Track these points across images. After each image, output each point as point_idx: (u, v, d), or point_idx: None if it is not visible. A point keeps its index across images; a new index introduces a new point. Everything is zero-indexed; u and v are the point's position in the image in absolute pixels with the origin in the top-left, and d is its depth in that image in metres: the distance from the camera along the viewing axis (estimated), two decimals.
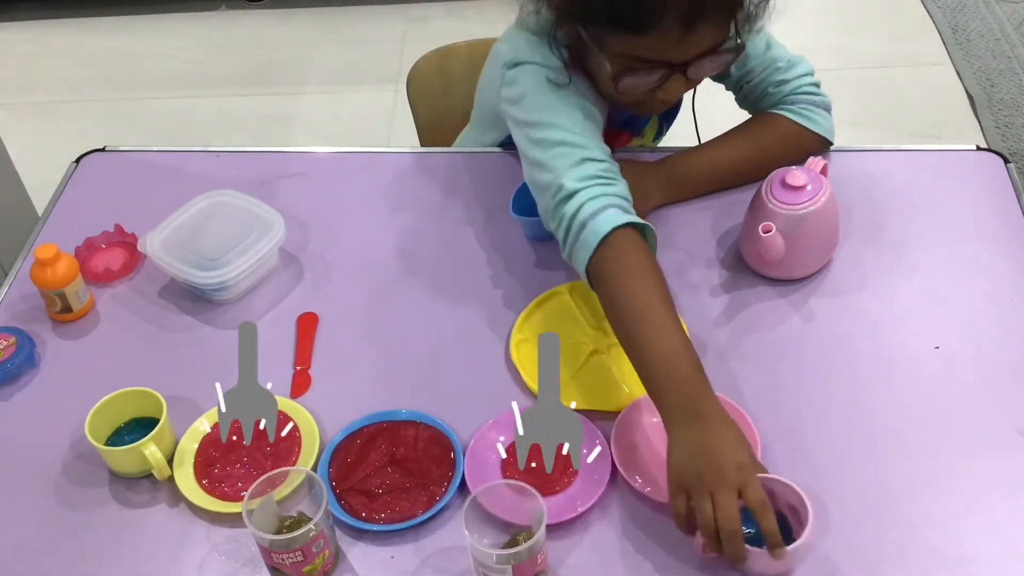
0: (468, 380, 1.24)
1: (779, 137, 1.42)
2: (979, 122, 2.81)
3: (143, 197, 1.51)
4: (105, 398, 1.15)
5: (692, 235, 1.40)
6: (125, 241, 1.41)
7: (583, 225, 1.18)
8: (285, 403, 1.20)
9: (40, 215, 1.52)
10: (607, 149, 1.27)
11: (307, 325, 1.31)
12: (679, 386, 1.06)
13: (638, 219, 1.19)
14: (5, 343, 1.26)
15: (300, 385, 1.24)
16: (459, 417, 1.18)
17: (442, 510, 1.09)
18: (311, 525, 0.99)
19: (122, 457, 1.12)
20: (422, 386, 1.23)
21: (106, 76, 3.21)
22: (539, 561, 1.00)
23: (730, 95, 1.50)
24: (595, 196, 1.19)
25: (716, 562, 1.03)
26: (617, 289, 1.15)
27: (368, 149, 1.61)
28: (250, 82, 3.16)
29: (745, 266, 1.34)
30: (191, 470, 1.14)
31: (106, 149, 1.62)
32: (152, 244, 1.34)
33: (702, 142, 1.46)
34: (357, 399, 1.21)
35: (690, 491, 1.00)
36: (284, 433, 1.17)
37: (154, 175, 1.57)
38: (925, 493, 1.09)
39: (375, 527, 1.08)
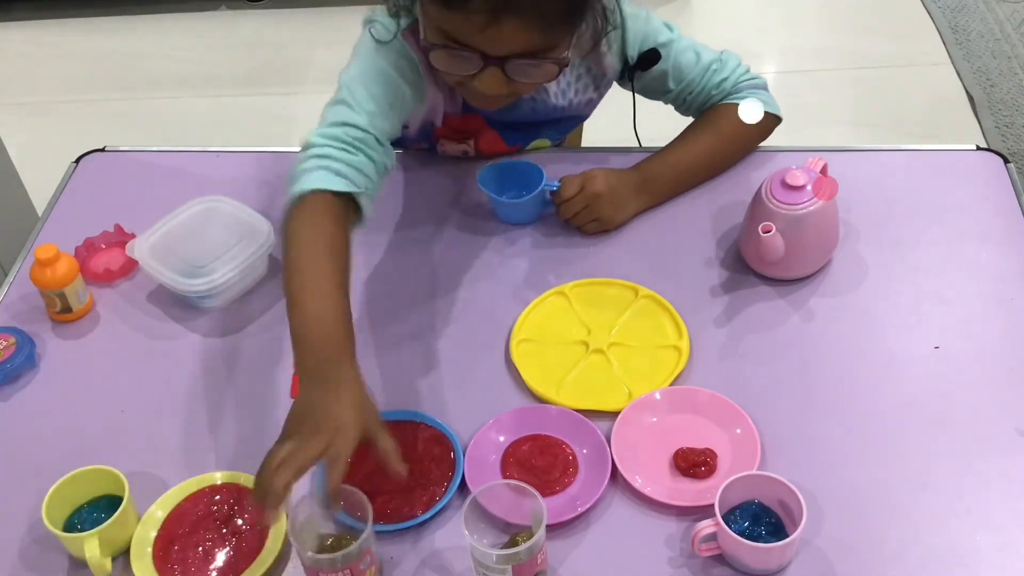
0: (468, 380, 1.24)
1: (737, 124, 1.45)
2: (979, 122, 2.81)
3: (143, 197, 1.51)
4: (66, 477, 1.08)
5: (692, 235, 1.40)
6: (125, 241, 1.41)
7: (294, 178, 1.21)
8: (250, 480, 1.08)
9: (40, 215, 1.52)
10: (385, 122, 1.27)
11: None
12: (320, 350, 1.06)
13: (346, 188, 1.20)
14: (5, 343, 1.26)
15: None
16: (459, 417, 1.18)
17: (442, 510, 1.09)
18: (364, 536, 0.97)
19: (70, 544, 1.06)
20: (422, 386, 1.23)
21: (106, 76, 3.21)
22: (539, 561, 1.00)
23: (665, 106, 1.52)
24: (323, 155, 1.21)
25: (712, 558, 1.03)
26: (292, 249, 1.15)
27: None
28: (250, 82, 3.16)
29: (745, 266, 1.34)
30: (150, 562, 1.06)
31: (106, 149, 1.62)
32: (140, 249, 1.33)
33: (666, 143, 1.47)
34: None
35: (289, 434, 1.00)
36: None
37: (154, 175, 1.57)
38: (925, 493, 1.09)
39: (375, 527, 1.07)
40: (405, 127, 1.50)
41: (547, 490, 1.10)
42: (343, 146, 1.22)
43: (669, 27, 1.44)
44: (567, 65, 1.24)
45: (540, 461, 1.13)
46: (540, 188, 1.39)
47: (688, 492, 1.09)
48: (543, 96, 1.43)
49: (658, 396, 1.18)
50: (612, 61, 1.43)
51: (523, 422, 1.16)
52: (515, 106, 1.43)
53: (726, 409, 1.16)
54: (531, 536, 0.98)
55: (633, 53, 1.42)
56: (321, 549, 1.03)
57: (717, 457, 1.12)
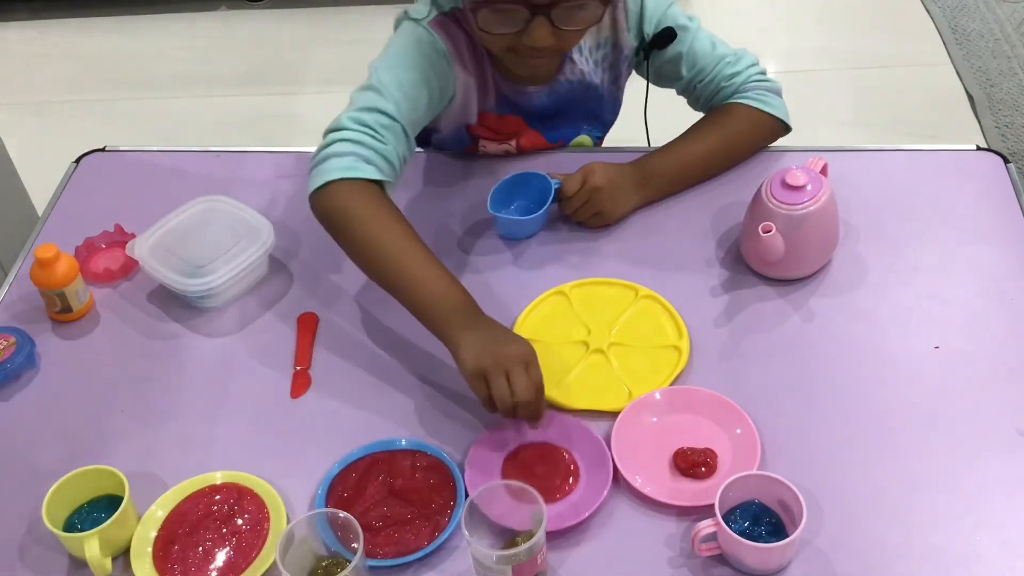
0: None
1: (743, 125, 1.45)
2: (979, 122, 2.81)
3: (143, 197, 1.51)
4: (66, 477, 1.08)
5: (692, 235, 1.40)
6: (125, 241, 1.41)
7: (323, 160, 1.25)
8: (250, 480, 1.13)
9: (40, 215, 1.52)
10: (413, 111, 1.31)
11: (307, 325, 1.31)
12: (458, 309, 1.16)
13: (377, 176, 1.24)
14: (5, 343, 1.26)
15: (300, 385, 1.24)
16: (459, 418, 1.18)
17: (446, 540, 1.06)
18: (354, 563, 0.95)
19: (70, 544, 1.06)
20: (423, 386, 1.23)
21: (106, 76, 3.21)
22: (539, 562, 1.00)
23: (679, 100, 1.52)
24: (354, 141, 1.25)
25: (712, 558, 1.03)
26: (359, 228, 1.22)
27: None
28: (250, 82, 3.16)
29: (745, 266, 1.34)
30: (150, 562, 1.06)
31: (106, 149, 1.62)
32: (140, 249, 1.33)
33: (671, 139, 1.47)
34: (358, 401, 1.21)
35: (487, 374, 1.09)
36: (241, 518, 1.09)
37: (154, 175, 1.57)
38: (925, 493, 1.09)
39: (378, 563, 1.04)
40: (437, 131, 1.49)
41: (549, 497, 1.09)
42: (373, 133, 1.26)
43: (690, 18, 1.45)
44: (610, 2, 1.27)
45: (541, 468, 1.12)
46: (547, 205, 1.37)
47: (688, 492, 1.09)
48: (569, 65, 1.43)
49: (658, 396, 1.18)
50: (629, 38, 1.44)
51: (524, 428, 1.16)
52: (553, 88, 1.44)
53: (726, 409, 1.16)
54: (531, 537, 0.98)
55: (649, 30, 1.43)
56: (312, 575, 1.01)
57: (717, 457, 1.12)
